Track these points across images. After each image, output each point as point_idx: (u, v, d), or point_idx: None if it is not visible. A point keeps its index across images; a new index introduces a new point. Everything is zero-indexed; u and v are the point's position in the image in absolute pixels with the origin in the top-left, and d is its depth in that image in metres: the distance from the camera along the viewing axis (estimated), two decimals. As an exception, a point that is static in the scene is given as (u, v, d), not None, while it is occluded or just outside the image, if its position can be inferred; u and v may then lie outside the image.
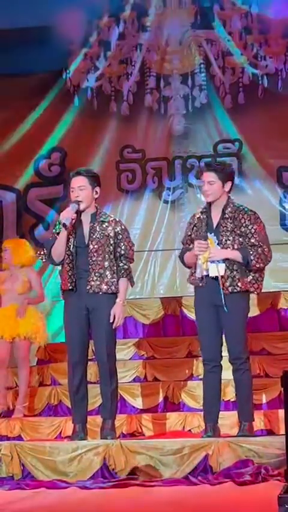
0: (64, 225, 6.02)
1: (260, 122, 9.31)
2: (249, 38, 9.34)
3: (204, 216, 6.10)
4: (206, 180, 6.06)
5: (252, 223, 6.01)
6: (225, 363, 6.09)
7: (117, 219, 6.33)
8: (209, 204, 6.11)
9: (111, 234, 6.13)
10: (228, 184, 6.06)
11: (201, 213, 6.14)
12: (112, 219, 6.25)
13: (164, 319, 8.65)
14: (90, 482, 5.47)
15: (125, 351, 8.16)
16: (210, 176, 6.04)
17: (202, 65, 9.44)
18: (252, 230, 6.00)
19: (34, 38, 9.09)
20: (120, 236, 6.17)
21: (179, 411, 7.41)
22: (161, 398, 7.59)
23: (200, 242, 5.95)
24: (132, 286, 6.39)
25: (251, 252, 5.95)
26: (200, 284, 6.03)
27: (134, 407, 7.60)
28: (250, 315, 8.17)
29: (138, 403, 7.58)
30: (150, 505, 4.77)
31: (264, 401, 7.35)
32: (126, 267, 6.16)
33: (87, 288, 6.07)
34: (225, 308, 5.89)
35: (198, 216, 6.16)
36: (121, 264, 6.15)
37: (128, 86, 9.48)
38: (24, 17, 9.04)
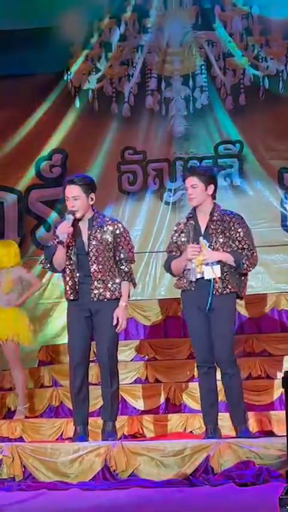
0: (61, 242, 6.02)
1: (261, 123, 9.30)
2: (250, 39, 9.34)
3: (192, 222, 6.11)
4: (188, 185, 6.11)
5: (241, 227, 6.06)
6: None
7: (116, 221, 6.30)
8: (194, 210, 6.13)
9: (110, 239, 6.12)
10: (211, 187, 6.09)
11: (188, 219, 6.16)
12: (110, 221, 6.22)
13: (165, 321, 8.65)
14: (92, 484, 5.48)
15: (126, 352, 8.17)
16: (192, 180, 6.09)
17: (203, 66, 9.43)
18: (241, 233, 6.03)
19: (35, 40, 9.09)
20: (119, 239, 6.16)
21: (180, 412, 7.41)
22: (162, 400, 7.59)
23: (192, 246, 5.96)
24: (134, 288, 6.39)
25: (243, 256, 5.98)
26: (189, 287, 6.03)
27: (135, 408, 7.60)
28: (252, 316, 8.26)
29: (139, 404, 7.58)
30: (151, 506, 4.77)
31: (265, 402, 7.35)
32: (126, 269, 6.16)
33: (92, 296, 6.07)
34: (207, 310, 5.90)
35: (184, 222, 6.18)
36: (122, 267, 6.15)
37: (129, 87, 9.48)
38: (26, 19, 9.04)
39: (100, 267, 6.08)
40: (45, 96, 9.70)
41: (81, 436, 6.07)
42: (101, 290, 6.07)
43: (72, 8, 8.78)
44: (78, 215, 6.11)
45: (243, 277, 6.09)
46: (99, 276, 6.07)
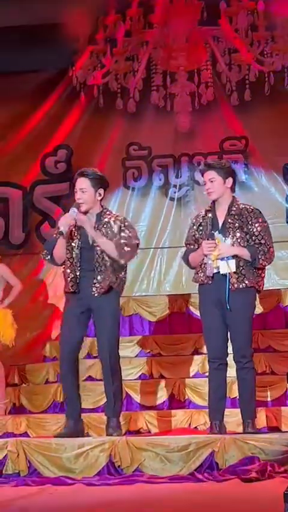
0: (61, 233, 5.99)
1: (266, 119, 9.30)
2: (255, 35, 9.27)
3: (210, 215, 6.10)
4: (207, 179, 6.09)
5: (259, 222, 6.02)
6: (231, 360, 6.08)
7: (121, 217, 6.28)
8: (213, 203, 6.11)
9: (115, 231, 6.09)
10: (230, 181, 6.07)
11: (206, 212, 6.14)
12: (116, 217, 6.20)
13: (170, 317, 8.65)
14: (96, 479, 5.48)
15: (130, 348, 8.17)
16: (210, 174, 6.08)
17: (208, 62, 9.40)
18: (259, 228, 6.00)
19: (40, 36, 9.07)
20: (124, 228, 6.10)
21: (184, 408, 7.41)
22: (166, 396, 7.60)
23: (207, 242, 5.95)
24: (120, 259, 6.09)
25: (259, 251, 5.95)
26: (206, 281, 6.01)
27: (139, 404, 7.60)
28: (256, 312, 8.24)
29: (144, 400, 7.59)
30: (156, 501, 4.76)
31: (270, 398, 7.35)
32: (123, 243, 6.04)
33: (93, 290, 6.03)
34: (227, 305, 5.90)
35: (202, 215, 6.16)
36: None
37: (134, 83, 9.44)
38: (31, 15, 9.03)
39: (104, 260, 6.05)
40: (50, 92, 9.71)
41: (72, 429, 6.03)
42: (102, 284, 6.04)
43: (77, 3, 8.76)
44: (83, 208, 6.10)
45: (260, 271, 6.06)
46: (102, 270, 6.04)
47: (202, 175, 6.20)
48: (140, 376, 7.88)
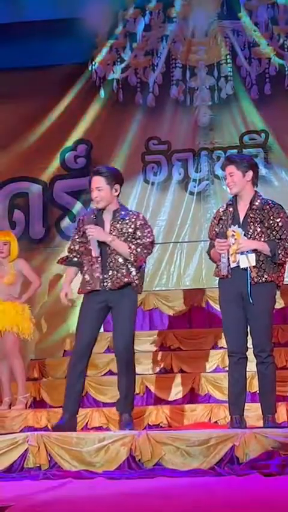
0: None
1: (286, 113, 9.27)
2: (275, 28, 9.26)
3: (231, 209, 6.08)
4: (227, 173, 6.08)
5: (280, 217, 5.99)
6: (251, 354, 6.08)
7: (138, 213, 6.26)
8: (235, 198, 6.10)
9: (130, 230, 6.07)
10: (249, 174, 6.03)
11: (227, 206, 6.13)
12: (132, 214, 6.19)
13: (189, 311, 8.65)
14: (117, 473, 5.49)
15: (150, 342, 8.17)
16: (230, 168, 6.07)
17: (228, 56, 9.38)
18: (280, 224, 5.97)
19: (60, 30, 9.08)
20: (139, 231, 6.09)
21: (204, 403, 7.41)
22: (187, 390, 7.60)
23: (219, 241, 5.94)
24: (134, 261, 6.08)
25: (279, 246, 5.92)
26: (225, 276, 6.00)
27: (159, 398, 7.61)
28: (276, 307, 8.21)
29: (163, 394, 7.59)
30: (176, 495, 4.77)
31: (290, 393, 7.34)
32: (139, 249, 6.05)
33: (105, 285, 6.03)
34: (250, 299, 5.88)
35: (223, 209, 6.15)
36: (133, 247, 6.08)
37: (153, 78, 9.45)
38: (51, 9, 9.04)
39: (117, 256, 6.05)
40: (69, 87, 9.72)
41: (68, 423, 6.04)
42: (114, 279, 6.02)
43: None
44: (101, 205, 6.11)
45: (280, 267, 6.03)
46: (115, 266, 6.03)
47: (224, 170, 6.19)
48: (160, 370, 7.89)
